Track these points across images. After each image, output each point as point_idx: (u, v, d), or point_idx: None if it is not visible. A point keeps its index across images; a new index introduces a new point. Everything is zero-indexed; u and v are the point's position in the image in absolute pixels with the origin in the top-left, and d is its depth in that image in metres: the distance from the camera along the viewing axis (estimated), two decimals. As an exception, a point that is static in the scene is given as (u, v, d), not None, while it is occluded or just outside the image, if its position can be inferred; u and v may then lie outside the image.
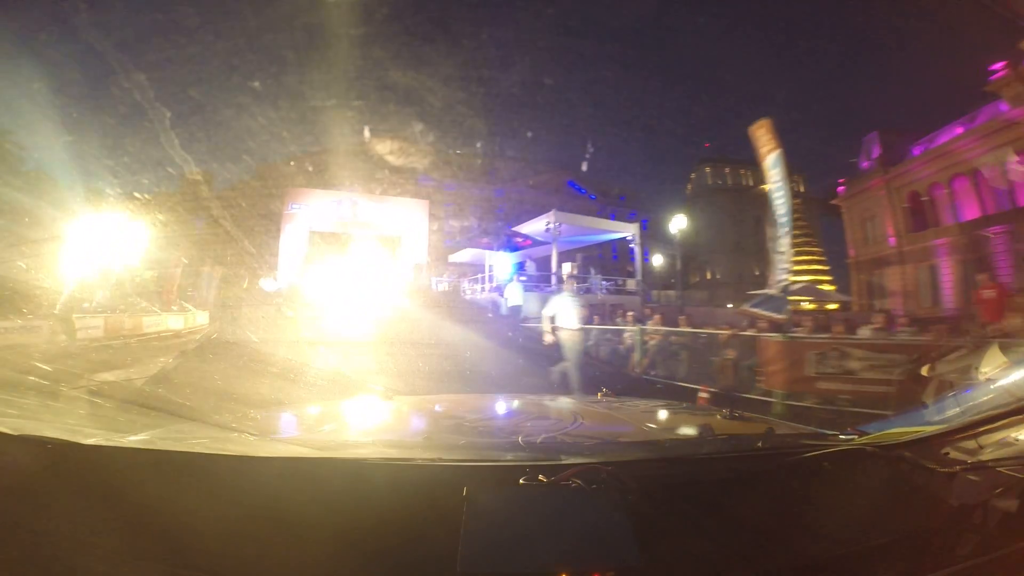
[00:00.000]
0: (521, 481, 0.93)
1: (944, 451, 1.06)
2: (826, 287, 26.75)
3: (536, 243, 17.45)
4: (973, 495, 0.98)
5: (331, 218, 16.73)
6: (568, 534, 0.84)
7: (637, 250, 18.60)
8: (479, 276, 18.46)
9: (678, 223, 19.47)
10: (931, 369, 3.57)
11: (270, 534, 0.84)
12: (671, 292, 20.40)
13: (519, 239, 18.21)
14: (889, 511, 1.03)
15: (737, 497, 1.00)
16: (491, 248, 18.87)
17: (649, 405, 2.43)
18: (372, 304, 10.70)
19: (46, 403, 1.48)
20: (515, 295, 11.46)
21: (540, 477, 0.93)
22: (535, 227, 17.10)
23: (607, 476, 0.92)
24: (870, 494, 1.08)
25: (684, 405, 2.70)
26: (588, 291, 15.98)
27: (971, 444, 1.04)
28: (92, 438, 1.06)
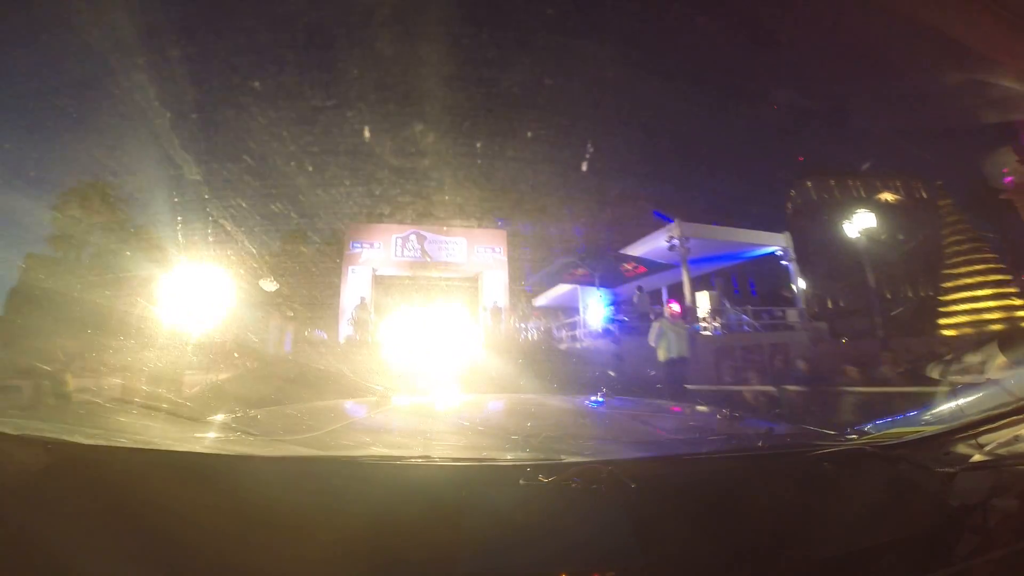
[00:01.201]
0: (521, 481, 0.93)
1: (944, 451, 1.06)
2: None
3: (653, 268, 12.63)
4: (973, 495, 0.98)
5: (397, 257, 14.23)
6: (568, 534, 0.84)
7: (794, 268, 13.02)
8: (575, 320, 14.11)
9: (863, 222, 11.83)
10: (931, 369, 3.57)
11: (270, 534, 0.84)
12: (821, 324, 14.36)
13: (628, 267, 12.94)
14: (889, 511, 1.03)
15: (737, 497, 1.00)
16: (589, 283, 13.61)
17: (649, 405, 2.43)
18: (447, 363, 8.47)
19: (46, 403, 1.48)
20: (673, 340, 6.52)
21: (540, 477, 0.93)
22: (652, 246, 12.61)
23: (607, 476, 0.92)
24: (870, 494, 1.08)
25: (684, 405, 2.70)
26: (728, 329, 11.54)
27: (971, 444, 1.04)
28: (92, 438, 1.06)
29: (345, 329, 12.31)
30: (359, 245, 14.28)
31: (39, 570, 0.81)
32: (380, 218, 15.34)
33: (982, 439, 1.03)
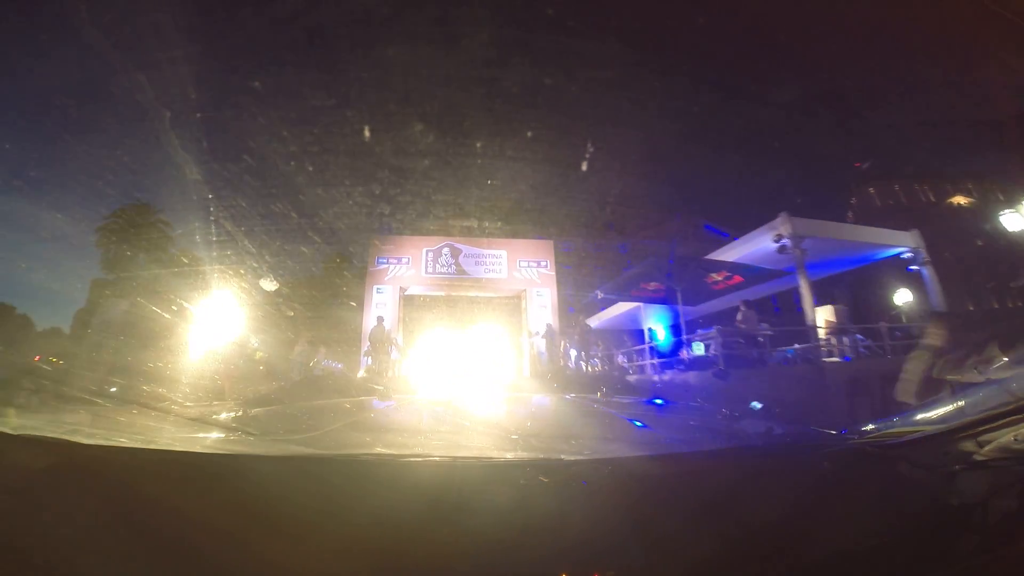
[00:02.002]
0: (521, 481, 0.93)
1: (944, 451, 1.06)
2: None
3: (753, 276, 9.80)
4: (973, 495, 0.98)
5: (429, 274, 12.13)
6: (568, 534, 0.84)
7: (929, 273, 10.10)
8: (643, 346, 11.26)
9: (1001, 220, 9.29)
10: (933, 369, 3.55)
11: (270, 533, 0.84)
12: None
13: (716, 278, 10.10)
14: (889, 511, 1.03)
15: (737, 496, 1.00)
16: (666, 299, 10.78)
17: (649, 405, 2.42)
18: (489, 403, 5.27)
19: (46, 403, 1.48)
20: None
21: (540, 477, 0.93)
22: (750, 249, 9.98)
23: (607, 475, 0.92)
24: (870, 494, 1.08)
25: (684, 405, 2.70)
26: (859, 353, 8.43)
27: (971, 444, 1.04)
28: (92, 438, 1.06)
29: (365, 359, 10.25)
30: (385, 261, 12.23)
31: (39, 570, 0.81)
32: (409, 229, 13.19)
33: (982, 439, 1.02)
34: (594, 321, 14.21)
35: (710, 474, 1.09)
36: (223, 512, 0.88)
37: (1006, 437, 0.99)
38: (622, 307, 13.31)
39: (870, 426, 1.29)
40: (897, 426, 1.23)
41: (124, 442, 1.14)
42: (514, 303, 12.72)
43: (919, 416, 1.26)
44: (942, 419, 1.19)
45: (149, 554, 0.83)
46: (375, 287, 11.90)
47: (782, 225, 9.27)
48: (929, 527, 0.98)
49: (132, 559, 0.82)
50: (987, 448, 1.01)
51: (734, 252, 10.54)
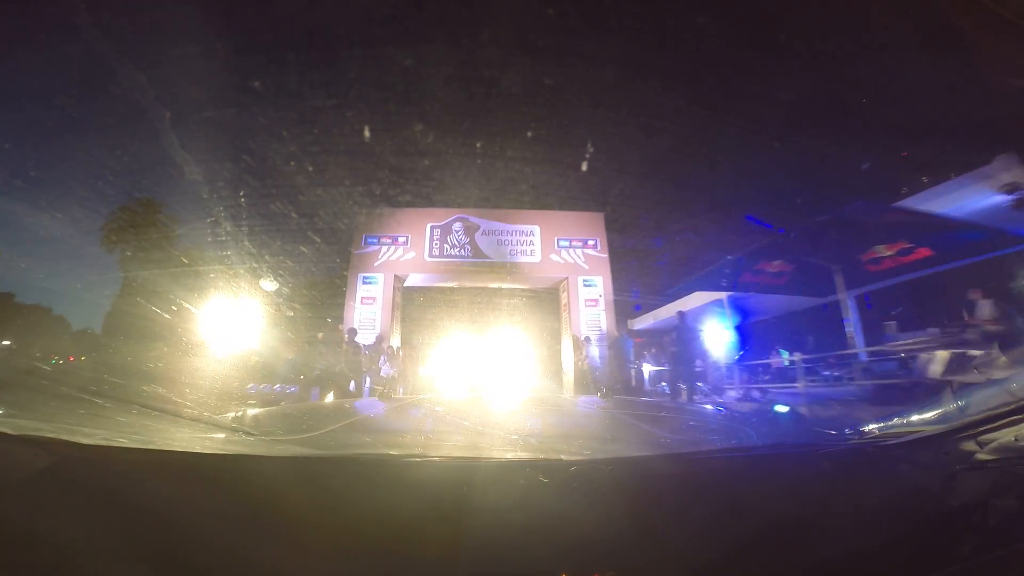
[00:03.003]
0: (521, 481, 0.93)
1: (944, 451, 1.06)
2: None
3: (959, 247, 5.79)
4: (973, 495, 0.98)
5: (434, 257, 8.89)
6: (568, 534, 0.84)
7: None
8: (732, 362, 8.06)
9: None
10: (935, 369, 3.56)
11: (270, 534, 0.84)
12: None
13: (883, 254, 6.09)
14: (889, 511, 1.03)
15: (737, 496, 1.00)
16: (787, 286, 7.46)
17: (649, 404, 2.42)
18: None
19: (46, 403, 1.48)
20: None
21: (540, 477, 0.93)
22: (950, 204, 5.62)
23: (607, 475, 0.92)
24: (870, 494, 1.08)
25: (684, 405, 2.70)
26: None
27: (971, 444, 1.04)
28: (92, 438, 1.06)
29: (320, 383, 5.96)
30: (375, 241, 8.89)
31: (39, 570, 0.81)
32: (407, 199, 9.42)
33: (982, 439, 1.03)
34: (650, 320, 10.36)
35: (710, 474, 1.09)
36: (223, 512, 0.88)
37: (1006, 437, 0.99)
38: (697, 299, 9.68)
39: (870, 426, 1.29)
40: (897, 426, 1.23)
41: (124, 442, 1.14)
42: (552, 296, 9.58)
43: (919, 416, 1.26)
44: (942, 419, 1.19)
45: (149, 554, 0.83)
46: (361, 276, 8.75)
47: (1011, 171, 5.53)
48: (929, 527, 0.98)
49: (132, 559, 0.82)
50: (987, 448, 1.01)
51: (938, 201, 6.23)
